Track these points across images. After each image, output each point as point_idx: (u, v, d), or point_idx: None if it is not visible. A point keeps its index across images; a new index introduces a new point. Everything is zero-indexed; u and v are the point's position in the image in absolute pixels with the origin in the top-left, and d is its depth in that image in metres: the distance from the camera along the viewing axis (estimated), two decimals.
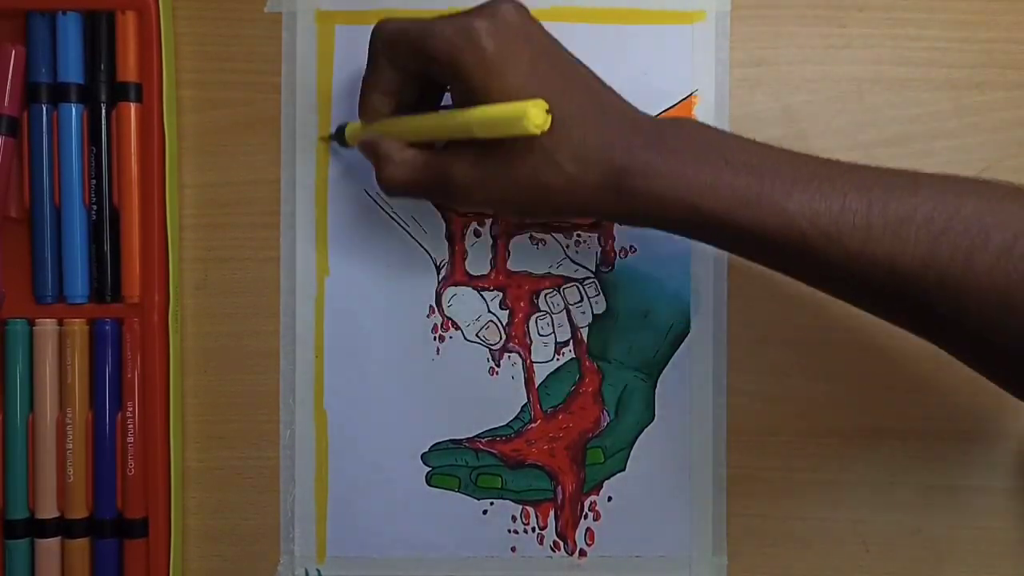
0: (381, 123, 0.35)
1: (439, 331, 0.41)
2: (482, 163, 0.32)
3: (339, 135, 0.38)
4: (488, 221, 0.41)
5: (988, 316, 0.27)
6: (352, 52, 0.40)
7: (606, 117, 0.31)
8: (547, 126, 0.29)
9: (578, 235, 0.41)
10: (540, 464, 0.41)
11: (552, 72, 0.31)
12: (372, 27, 0.34)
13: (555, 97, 0.30)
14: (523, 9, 0.32)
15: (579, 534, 0.41)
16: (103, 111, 0.39)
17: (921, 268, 0.28)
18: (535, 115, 0.29)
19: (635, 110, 0.33)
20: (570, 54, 0.33)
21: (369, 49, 0.34)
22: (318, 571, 0.41)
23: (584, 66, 0.33)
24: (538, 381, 0.41)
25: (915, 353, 0.40)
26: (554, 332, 0.41)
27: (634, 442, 0.41)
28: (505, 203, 0.33)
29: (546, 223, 0.40)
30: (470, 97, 0.31)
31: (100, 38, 0.39)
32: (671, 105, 0.40)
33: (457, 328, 0.41)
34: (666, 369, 0.41)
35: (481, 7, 0.32)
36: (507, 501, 0.41)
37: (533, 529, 0.41)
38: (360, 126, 0.36)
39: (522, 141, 0.30)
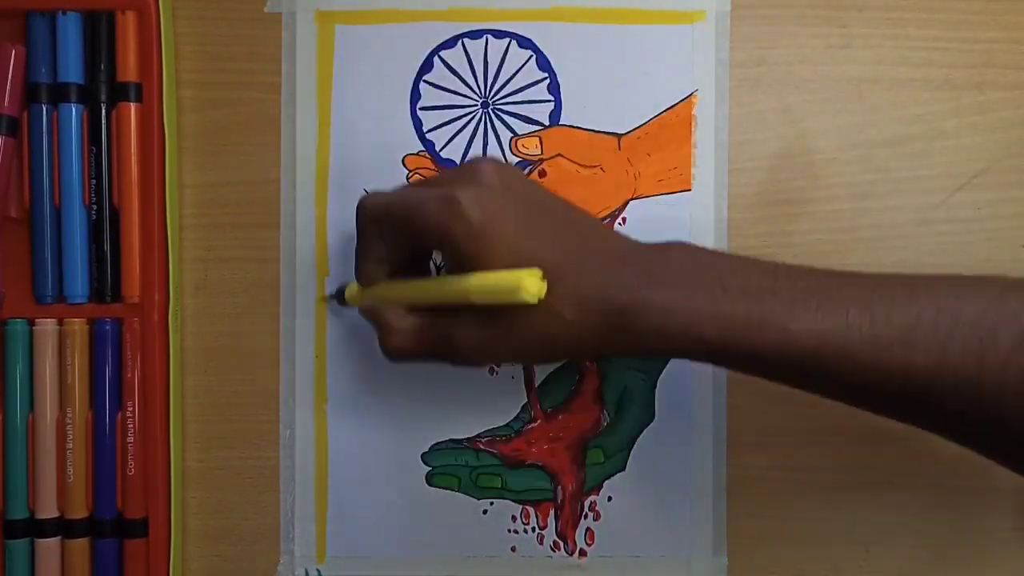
0: (380, 287, 0.35)
1: None
2: (484, 325, 0.32)
3: (339, 296, 0.38)
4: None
5: (1007, 411, 0.27)
6: (352, 52, 0.40)
7: (599, 260, 0.31)
8: (543, 294, 0.30)
9: None
10: (540, 464, 0.41)
11: (540, 225, 0.32)
12: (357, 204, 0.34)
13: (546, 253, 0.31)
14: (503, 167, 0.32)
15: (579, 534, 0.41)
16: (103, 111, 0.39)
17: (936, 371, 0.28)
18: (530, 285, 0.29)
19: (625, 241, 0.33)
20: (552, 198, 0.34)
21: (357, 222, 0.34)
22: (318, 571, 0.41)
23: (567, 205, 0.34)
24: (538, 381, 0.41)
25: None
26: None
27: (634, 442, 0.41)
28: (513, 358, 0.34)
29: None
30: (462, 266, 0.31)
31: (100, 38, 0.39)
32: (671, 105, 0.40)
33: None
34: (666, 369, 0.41)
35: (462, 173, 0.32)
36: (507, 501, 0.41)
37: (533, 529, 0.41)
38: (359, 288, 0.36)
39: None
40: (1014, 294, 0.28)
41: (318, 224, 0.41)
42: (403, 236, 0.33)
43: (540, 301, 0.30)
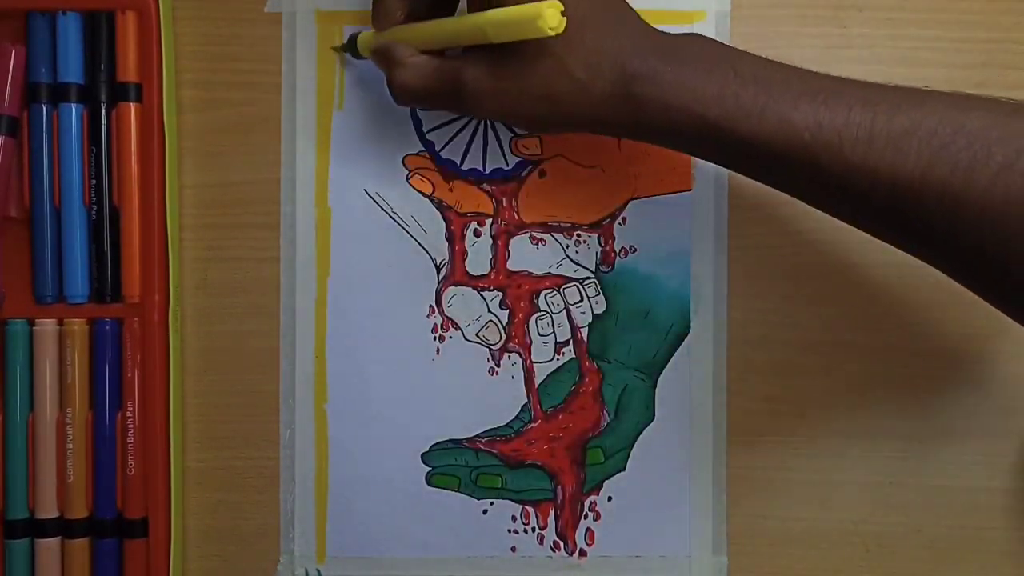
0: (394, 30, 0.35)
1: (439, 331, 0.41)
2: (495, 69, 0.32)
3: (351, 45, 0.38)
4: (488, 221, 0.41)
5: (986, 233, 0.27)
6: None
7: (618, 24, 0.31)
8: (562, 28, 0.29)
9: (578, 235, 0.41)
10: (540, 464, 0.41)
11: None
12: None
13: (569, 2, 0.30)
14: None
15: (579, 534, 0.41)
16: (103, 111, 0.39)
17: (921, 182, 0.27)
18: (550, 16, 0.28)
19: (646, 22, 0.33)
20: None
21: None
22: (318, 571, 0.41)
23: None
24: (538, 381, 0.41)
25: (915, 353, 0.40)
26: (554, 332, 0.41)
27: (634, 442, 0.41)
28: (517, 111, 0.33)
29: (545, 223, 0.41)
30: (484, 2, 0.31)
31: (100, 38, 0.39)
32: None
33: (457, 328, 0.41)
34: (666, 369, 0.41)
35: None
36: (507, 501, 0.41)
37: (533, 529, 0.41)
38: (372, 35, 0.36)
39: (535, 46, 0.30)
40: (1020, 116, 0.27)
41: (318, 224, 0.41)
42: None
43: (553, 52, 0.30)
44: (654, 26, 0.33)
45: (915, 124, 0.28)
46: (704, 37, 0.32)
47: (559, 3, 0.29)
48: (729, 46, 0.32)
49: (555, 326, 0.41)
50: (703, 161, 0.40)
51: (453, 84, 0.33)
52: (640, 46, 0.31)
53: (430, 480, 0.41)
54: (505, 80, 0.32)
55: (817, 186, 0.30)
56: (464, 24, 0.32)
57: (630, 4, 0.33)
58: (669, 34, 0.32)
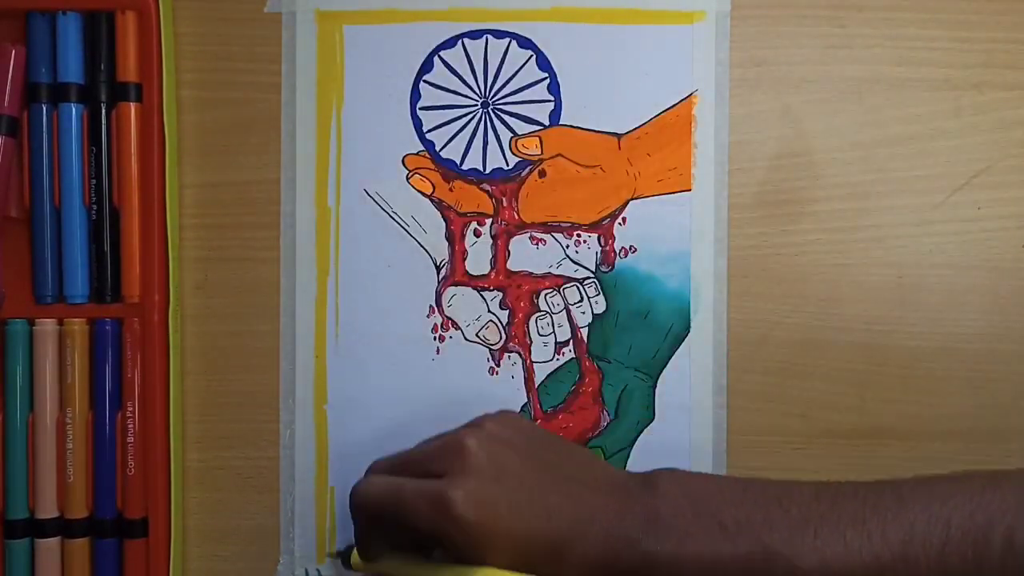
0: (384, 561, 0.34)
1: (439, 331, 0.41)
2: None
3: (345, 558, 0.37)
4: (488, 221, 0.41)
5: None
6: (361, 52, 0.40)
7: (598, 516, 0.31)
8: None
9: (578, 235, 0.41)
10: None
11: (535, 496, 0.31)
12: (350, 492, 0.33)
13: (545, 526, 0.31)
14: (489, 437, 0.32)
15: None
16: (103, 111, 0.39)
17: None
18: None
19: (616, 480, 0.33)
20: (540, 448, 0.33)
21: (351, 510, 0.33)
22: (318, 571, 0.41)
23: (558, 449, 0.34)
24: (538, 381, 0.41)
25: (915, 354, 0.40)
26: (554, 332, 0.41)
27: (634, 442, 0.41)
28: None
29: (545, 223, 0.41)
30: (464, 558, 0.31)
31: (100, 38, 0.39)
32: (671, 105, 0.40)
33: (457, 328, 0.41)
34: (666, 369, 0.41)
35: (449, 455, 0.32)
36: None
37: None
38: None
39: None
40: (995, 490, 0.29)
41: (318, 224, 0.41)
42: (400, 528, 0.32)
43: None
44: (627, 480, 0.33)
45: (908, 531, 0.29)
46: (668, 476, 0.33)
47: None
48: (694, 478, 0.33)
49: (555, 326, 0.41)
50: (703, 161, 0.40)
51: None
52: (624, 533, 0.31)
53: None
54: None
55: None
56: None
57: (600, 469, 0.34)
58: (639, 489, 0.32)
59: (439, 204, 0.41)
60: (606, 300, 0.41)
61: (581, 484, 0.33)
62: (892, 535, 0.29)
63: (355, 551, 0.36)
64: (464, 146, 0.41)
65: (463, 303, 0.41)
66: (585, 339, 0.41)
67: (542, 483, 0.32)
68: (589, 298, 0.41)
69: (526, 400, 0.41)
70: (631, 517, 0.32)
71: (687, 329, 0.41)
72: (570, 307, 0.41)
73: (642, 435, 0.41)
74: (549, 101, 0.40)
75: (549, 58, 0.40)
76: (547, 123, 0.40)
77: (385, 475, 0.33)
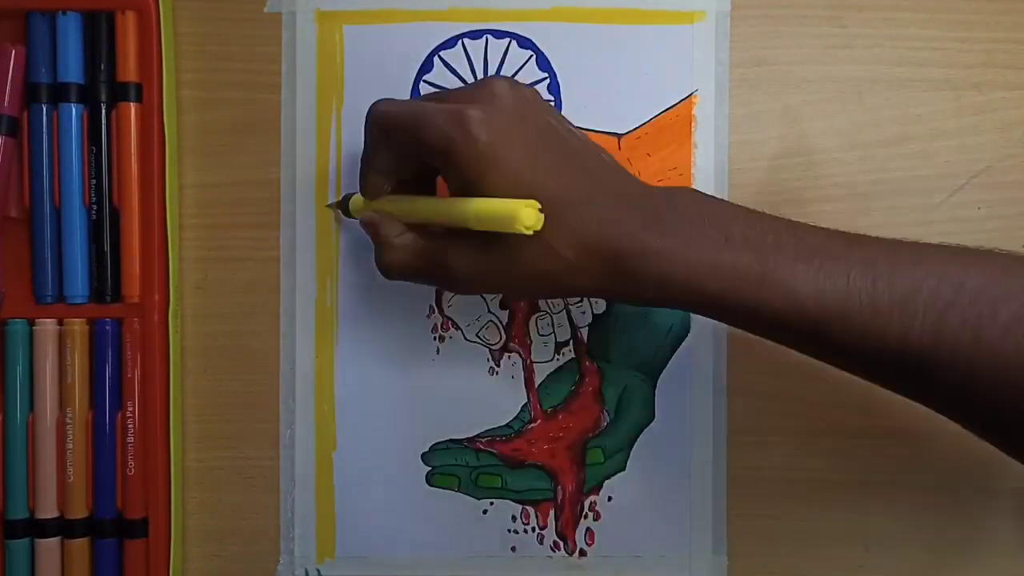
0: (382, 200, 0.35)
1: (439, 331, 0.41)
2: (480, 252, 0.32)
3: (344, 205, 0.38)
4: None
5: (1000, 388, 0.27)
6: (361, 52, 0.40)
7: (603, 199, 0.31)
8: (539, 225, 0.29)
9: None
10: (540, 464, 0.41)
11: (547, 157, 0.31)
12: (368, 110, 0.33)
13: (550, 185, 0.30)
14: (517, 88, 0.32)
15: (579, 534, 0.41)
16: (103, 111, 0.39)
17: (931, 343, 0.27)
18: (526, 216, 0.29)
19: (632, 182, 0.32)
20: (566, 128, 0.33)
21: (365, 129, 0.34)
22: (318, 571, 0.41)
23: (580, 138, 0.33)
24: (538, 381, 0.41)
25: None
26: (554, 332, 0.41)
27: (634, 442, 0.41)
28: (506, 289, 0.33)
29: None
30: (464, 186, 0.31)
31: (100, 38, 0.39)
32: (671, 105, 0.40)
33: (457, 328, 0.41)
34: (666, 369, 0.41)
35: (476, 90, 0.32)
36: (507, 501, 0.41)
37: (533, 529, 0.41)
38: (363, 200, 0.36)
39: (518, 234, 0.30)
40: (1017, 269, 0.28)
41: (318, 224, 0.41)
42: (410, 149, 0.32)
43: (538, 235, 0.29)
44: (639, 184, 0.32)
45: (916, 285, 0.28)
46: (688, 194, 0.32)
47: (535, 203, 0.29)
48: (713, 200, 0.32)
49: (555, 326, 0.41)
50: (703, 161, 0.40)
51: (439, 267, 0.33)
52: (626, 220, 0.30)
53: (430, 480, 0.41)
54: (491, 263, 0.31)
55: (826, 350, 0.30)
56: (447, 209, 0.32)
57: (611, 164, 0.33)
58: (654, 196, 0.32)
59: None
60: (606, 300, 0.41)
61: (598, 168, 0.32)
62: (899, 284, 0.28)
63: (354, 198, 0.37)
64: None
65: (463, 303, 0.41)
66: (585, 339, 0.41)
67: (561, 150, 0.32)
68: (589, 298, 0.41)
69: (526, 400, 0.41)
70: (638, 208, 0.31)
71: (687, 329, 0.41)
72: (570, 307, 0.41)
73: (642, 435, 0.41)
74: (549, 101, 0.40)
75: (549, 58, 0.40)
76: None
77: (410, 100, 0.33)
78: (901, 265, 0.28)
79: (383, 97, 0.33)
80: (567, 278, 0.31)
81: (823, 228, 0.30)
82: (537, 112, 0.32)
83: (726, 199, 0.34)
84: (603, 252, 0.30)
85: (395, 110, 0.32)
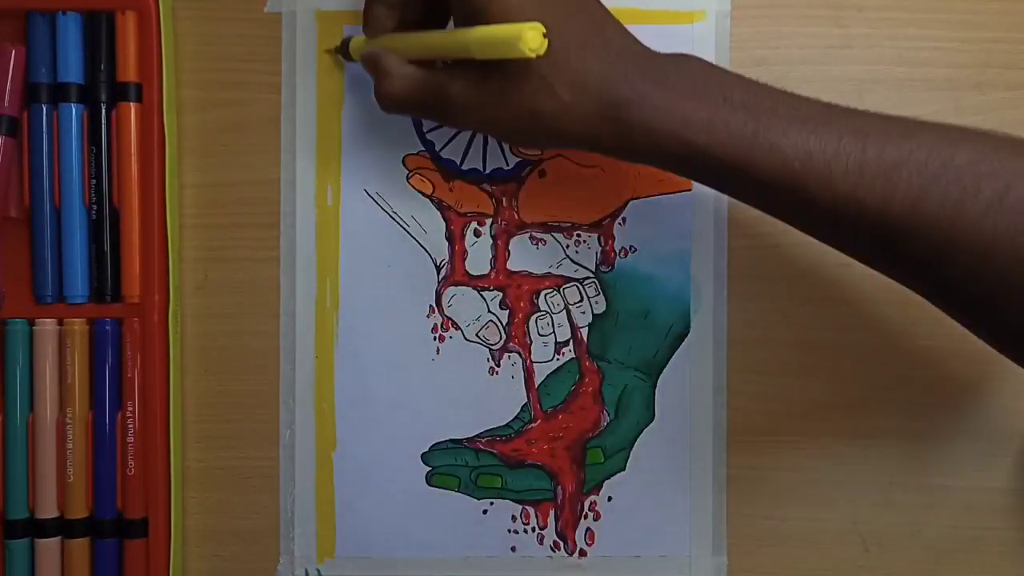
0: (384, 38, 0.35)
1: (439, 331, 0.41)
2: (480, 84, 0.32)
3: (343, 48, 0.38)
4: (488, 221, 0.41)
5: (974, 268, 0.27)
6: None
7: (607, 46, 0.31)
8: (543, 50, 0.29)
9: (578, 235, 0.41)
10: (540, 464, 0.41)
11: (561, 2, 0.31)
12: None
13: (556, 21, 0.30)
14: None
15: (579, 534, 0.41)
16: (103, 111, 0.39)
17: (911, 214, 0.27)
18: (531, 38, 0.28)
19: (637, 42, 0.32)
20: None
21: None
22: (318, 571, 0.41)
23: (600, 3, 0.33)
24: (538, 381, 0.41)
25: (915, 354, 0.40)
26: (554, 332, 0.41)
27: (634, 442, 0.41)
28: (500, 126, 0.33)
29: (545, 223, 0.41)
30: (470, 16, 0.31)
31: (100, 38, 0.39)
32: None
33: (457, 328, 0.41)
34: (666, 369, 0.41)
35: None
36: (507, 501, 0.41)
37: (533, 529, 0.41)
38: (364, 41, 0.36)
39: (520, 64, 0.30)
40: (1008, 150, 0.28)
41: (318, 224, 0.41)
42: None
43: (538, 71, 0.29)
44: (644, 46, 0.32)
45: (905, 156, 0.28)
46: (693, 59, 0.32)
47: (541, 25, 0.29)
48: (718, 68, 0.32)
49: (555, 326, 0.41)
50: None
51: (438, 96, 0.33)
52: (628, 70, 0.30)
53: (430, 480, 0.41)
54: (489, 95, 0.32)
55: (806, 214, 0.30)
56: (450, 38, 0.32)
57: (619, 23, 0.33)
58: (658, 55, 0.32)
59: (439, 204, 0.41)
60: (606, 300, 0.41)
61: (608, 24, 0.32)
62: (887, 153, 0.28)
63: (354, 39, 0.37)
64: (464, 146, 0.41)
65: (463, 303, 0.41)
66: (585, 339, 0.41)
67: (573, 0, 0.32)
68: (589, 298, 0.41)
69: (526, 400, 0.41)
70: (642, 61, 0.31)
71: (687, 329, 0.41)
72: (570, 307, 0.41)
73: (642, 435, 0.41)
74: None
75: None
76: None
77: None
78: (893, 136, 0.28)
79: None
80: (561, 120, 0.31)
81: (823, 101, 0.30)
82: None
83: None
84: (601, 96, 0.30)
85: None
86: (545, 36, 0.29)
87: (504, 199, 0.41)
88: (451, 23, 0.35)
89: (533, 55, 0.28)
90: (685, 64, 0.31)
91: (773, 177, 0.29)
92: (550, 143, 0.33)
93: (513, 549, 0.41)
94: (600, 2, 0.33)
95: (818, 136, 0.28)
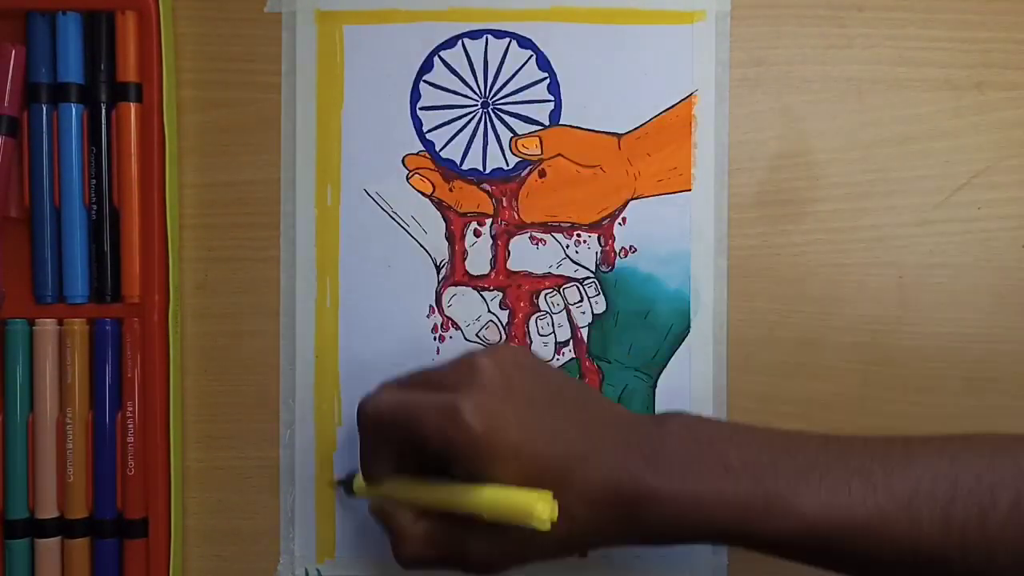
0: (388, 483, 0.34)
1: (439, 331, 0.41)
2: (499, 539, 0.32)
3: (347, 485, 0.38)
4: (488, 221, 0.41)
5: (1011, 570, 0.28)
6: (360, 52, 0.40)
7: (602, 444, 0.32)
8: (555, 517, 0.29)
9: (578, 235, 0.41)
10: None
11: (542, 420, 0.31)
12: (358, 406, 0.33)
13: (552, 449, 0.31)
14: (501, 359, 0.32)
15: None
16: (103, 111, 0.39)
17: (941, 539, 0.28)
18: (541, 511, 0.29)
19: (625, 417, 0.33)
20: (553, 379, 0.33)
21: (358, 424, 0.33)
22: (318, 571, 0.41)
23: (566, 385, 0.34)
24: None
25: (915, 354, 0.40)
26: (554, 332, 0.41)
27: None
28: (530, 562, 0.33)
29: (545, 223, 0.41)
30: (472, 476, 0.31)
31: (100, 38, 0.39)
32: (671, 105, 0.40)
33: (457, 328, 0.41)
34: (666, 369, 0.41)
35: (461, 372, 0.32)
36: None
37: None
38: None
39: None
40: (1007, 454, 0.29)
41: (318, 224, 0.41)
42: (408, 443, 0.32)
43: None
44: (629, 414, 0.33)
45: (915, 486, 0.29)
46: (678, 419, 0.33)
47: (549, 495, 0.29)
48: (707, 423, 0.33)
49: (555, 326, 0.41)
50: (703, 161, 0.40)
51: (458, 555, 0.32)
52: (628, 465, 0.31)
53: None
54: (511, 545, 0.32)
55: (838, 561, 0.30)
56: (459, 498, 0.31)
57: (602, 400, 0.34)
58: (647, 428, 0.32)
59: (439, 204, 0.41)
60: (606, 300, 0.41)
61: (590, 415, 0.33)
62: (898, 488, 0.29)
63: (357, 477, 0.36)
64: (464, 146, 0.41)
65: (463, 303, 0.41)
66: (585, 339, 0.41)
67: (552, 407, 0.32)
68: (589, 298, 0.41)
69: None
70: (636, 450, 0.31)
71: (687, 329, 0.41)
72: (570, 307, 0.41)
73: None
74: (549, 101, 0.40)
75: (549, 58, 0.40)
76: (547, 123, 0.40)
77: (395, 389, 0.33)
78: (896, 468, 0.29)
79: (372, 391, 0.33)
80: (586, 535, 0.31)
81: (814, 436, 0.31)
82: (524, 377, 0.32)
83: (715, 418, 0.35)
84: (613, 501, 0.31)
85: (385, 408, 0.32)
86: (555, 498, 0.30)
87: (504, 199, 0.41)
88: None
89: (547, 527, 0.29)
90: (675, 430, 0.32)
91: (793, 535, 0.29)
92: (579, 552, 0.35)
93: None
94: (581, 388, 0.34)
95: (828, 488, 0.29)
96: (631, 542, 0.32)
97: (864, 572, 0.31)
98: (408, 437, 0.32)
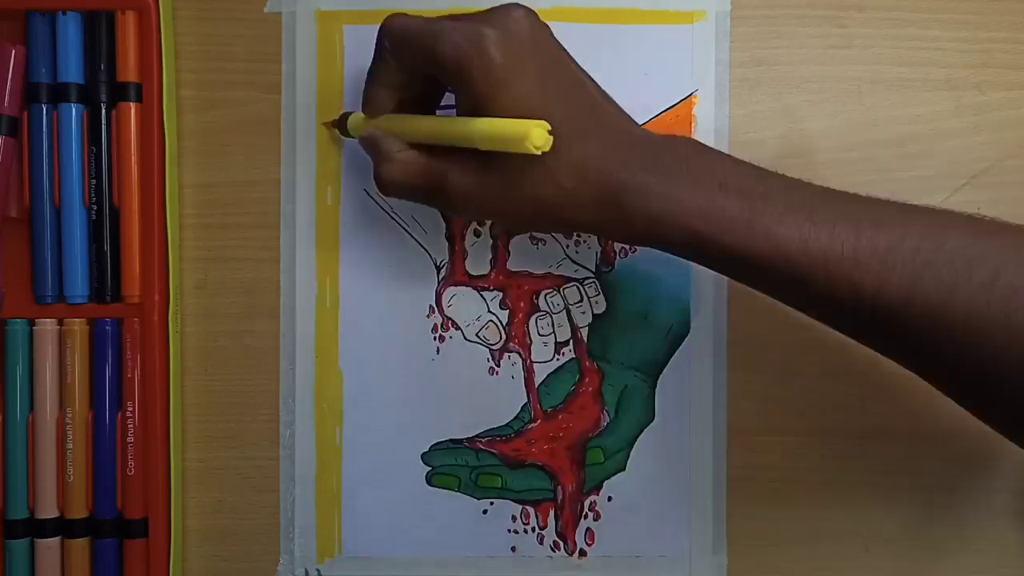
0: (383, 118, 0.35)
1: (439, 331, 0.41)
2: (481, 173, 0.32)
3: (341, 123, 0.38)
4: (488, 221, 0.41)
5: (968, 347, 0.28)
6: (360, 52, 0.40)
7: (606, 134, 0.32)
8: (548, 147, 0.29)
9: (578, 235, 0.41)
10: (540, 464, 0.41)
11: (557, 86, 0.31)
12: (382, 23, 0.33)
13: (558, 113, 0.30)
14: (533, 17, 0.32)
15: (579, 534, 0.41)
16: (103, 111, 0.39)
17: (905, 298, 0.28)
18: (537, 136, 0.29)
19: (634, 125, 0.33)
20: (575, 65, 0.33)
21: (376, 43, 0.34)
22: (318, 571, 0.41)
23: (587, 77, 0.33)
24: (538, 381, 0.41)
25: None
26: (554, 332, 0.41)
27: (634, 442, 0.41)
28: (501, 214, 0.33)
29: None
30: (474, 105, 0.31)
31: (100, 38, 0.39)
32: (671, 105, 0.40)
33: (457, 328, 0.41)
34: (666, 369, 0.41)
35: (492, 13, 0.32)
36: (507, 501, 0.41)
37: (533, 529, 0.41)
38: (363, 118, 0.36)
39: (522, 155, 0.30)
40: (999, 234, 0.29)
41: (318, 224, 0.41)
42: (421, 64, 0.32)
43: (540, 161, 0.30)
44: (640, 127, 0.33)
45: (898, 241, 0.28)
46: (689, 142, 0.32)
47: (546, 123, 0.29)
48: (712, 151, 0.32)
49: (555, 326, 0.41)
50: None
51: (438, 184, 0.33)
52: (627, 157, 0.31)
53: (430, 480, 0.41)
54: (491, 185, 0.32)
55: (804, 298, 0.31)
56: (453, 127, 0.32)
57: (615, 105, 0.33)
58: (655, 139, 0.32)
59: None
60: (606, 300, 0.41)
61: (606, 104, 0.33)
62: (881, 238, 0.28)
63: (352, 116, 0.37)
64: None
65: (463, 303, 0.41)
66: (585, 339, 0.41)
67: (571, 78, 0.32)
68: (589, 298, 0.41)
69: (526, 400, 0.41)
70: (639, 147, 0.31)
71: (687, 329, 0.41)
72: (570, 307, 0.41)
73: (642, 435, 0.41)
74: None
75: None
76: None
77: (425, 19, 0.33)
78: (887, 221, 0.29)
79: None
80: (562, 208, 0.31)
81: (817, 185, 0.31)
82: (551, 43, 0.32)
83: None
84: (602, 184, 0.30)
85: (412, 23, 0.32)
86: (550, 132, 0.29)
87: None
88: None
89: (539, 152, 0.29)
90: (681, 148, 0.32)
91: (771, 263, 0.29)
92: (553, 228, 0.34)
93: (513, 549, 0.41)
94: (598, 86, 0.33)
95: (813, 223, 0.29)
96: (607, 233, 0.32)
97: (822, 311, 0.31)
98: (426, 56, 0.31)
